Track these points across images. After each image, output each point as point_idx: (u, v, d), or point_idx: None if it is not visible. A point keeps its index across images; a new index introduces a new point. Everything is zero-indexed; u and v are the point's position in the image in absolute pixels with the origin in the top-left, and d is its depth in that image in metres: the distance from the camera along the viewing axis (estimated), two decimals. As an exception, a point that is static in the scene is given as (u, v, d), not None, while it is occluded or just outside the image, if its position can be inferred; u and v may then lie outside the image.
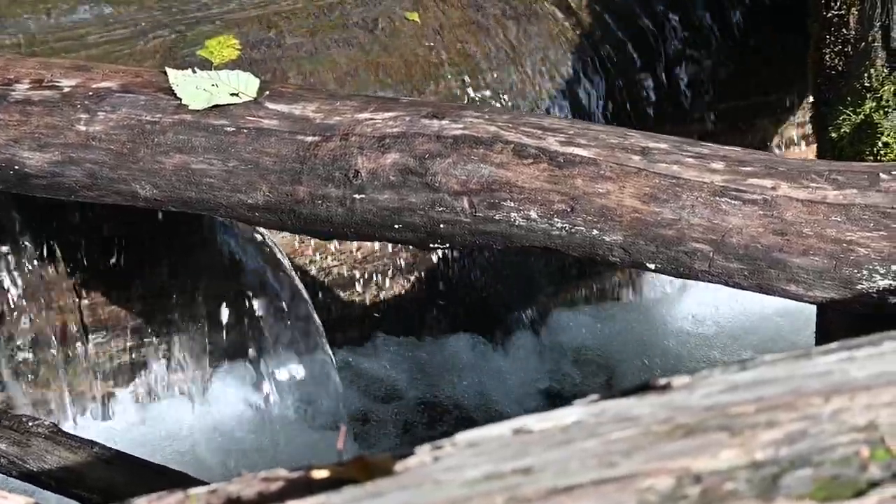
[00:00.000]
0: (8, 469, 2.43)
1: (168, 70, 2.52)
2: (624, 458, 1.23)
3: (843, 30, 2.68)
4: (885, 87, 2.59)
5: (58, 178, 2.53)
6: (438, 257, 3.22)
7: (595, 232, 2.25)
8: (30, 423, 2.45)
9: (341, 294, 3.16)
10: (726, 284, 2.24)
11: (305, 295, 3.01)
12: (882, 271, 2.16)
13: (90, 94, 2.51)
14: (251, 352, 3.06)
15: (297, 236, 3.06)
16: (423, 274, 3.22)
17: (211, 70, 2.52)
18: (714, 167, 2.24)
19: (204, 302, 3.03)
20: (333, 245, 3.13)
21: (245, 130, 2.42)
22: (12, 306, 2.94)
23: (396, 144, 2.34)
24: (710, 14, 3.42)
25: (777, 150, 3.48)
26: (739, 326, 3.39)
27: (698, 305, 3.41)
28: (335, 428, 3.02)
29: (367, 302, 3.19)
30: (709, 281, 2.25)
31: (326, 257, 3.14)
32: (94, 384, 3.01)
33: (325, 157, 2.37)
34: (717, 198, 2.21)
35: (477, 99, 3.21)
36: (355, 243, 3.13)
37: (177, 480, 2.34)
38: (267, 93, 2.47)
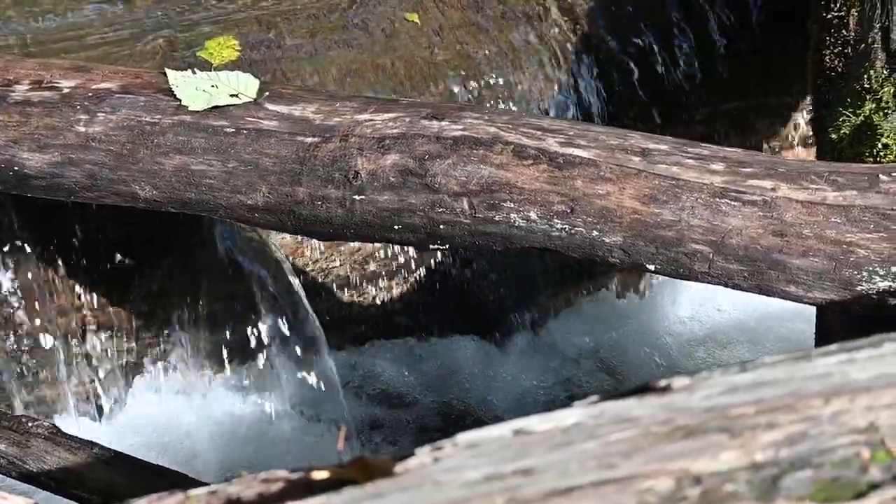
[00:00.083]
0: (7, 470, 2.43)
1: (168, 71, 2.52)
2: (624, 460, 1.23)
3: (843, 31, 2.68)
4: (885, 89, 2.59)
5: (57, 179, 2.53)
6: (438, 258, 3.22)
7: (595, 233, 2.25)
8: (29, 424, 2.44)
9: (341, 294, 3.16)
10: (726, 286, 2.24)
11: (304, 297, 3.01)
12: (882, 273, 2.16)
13: (90, 95, 2.51)
14: (251, 353, 3.06)
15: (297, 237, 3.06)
16: (423, 274, 3.22)
17: (211, 71, 2.52)
18: (714, 168, 2.23)
19: (204, 303, 3.03)
20: (333, 246, 3.13)
21: (245, 131, 2.42)
22: (12, 307, 2.94)
23: (396, 145, 2.34)
24: (713, 15, 3.42)
25: (776, 152, 3.48)
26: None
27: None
28: (335, 429, 3.02)
29: (368, 302, 3.19)
30: (708, 282, 2.25)
31: (327, 258, 3.14)
32: (94, 385, 3.01)
33: (325, 158, 2.37)
34: (717, 199, 2.21)
35: (476, 100, 3.20)
36: (355, 244, 3.13)
37: (177, 481, 2.34)
38: (267, 94, 2.47)
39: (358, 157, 2.35)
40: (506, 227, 2.29)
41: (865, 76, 2.61)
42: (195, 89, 2.47)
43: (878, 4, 2.61)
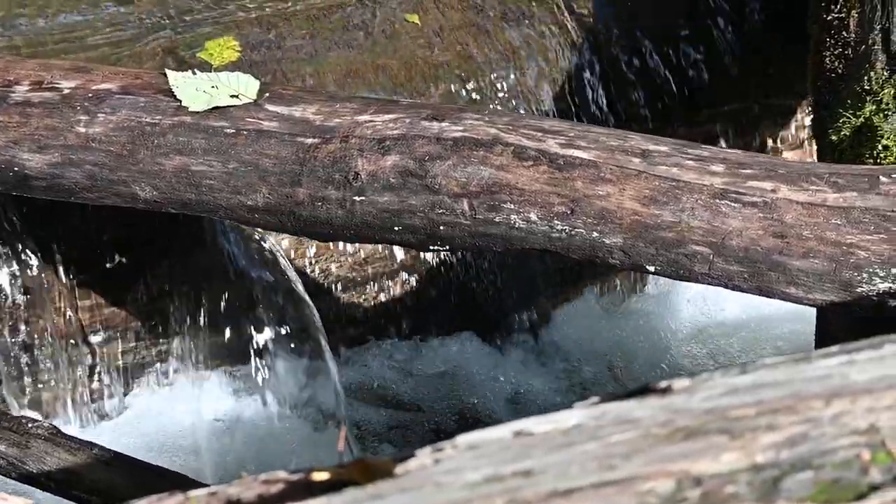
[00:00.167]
0: (7, 471, 2.43)
1: (168, 72, 2.53)
2: (624, 461, 1.23)
3: (843, 33, 2.68)
4: (885, 91, 2.59)
5: (57, 179, 2.53)
6: (438, 259, 3.22)
7: (595, 234, 2.25)
8: (29, 425, 2.44)
9: (342, 295, 3.16)
10: (726, 287, 2.24)
11: (306, 296, 3.01)
12: (882, 274, 2.16)
13: (90, 95, 2.51)
14: (252, 353, 3.06)
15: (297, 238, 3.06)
16: (423, 275, 3.22)
17: (211, 72, 2.52)
18: (714, 169, 2.23)
19: (205, 304, 3.03)
20: (333, 246, 3.13)
21: (245, 132, 2.42)
22: (12, 307, 2.93)
23: (396, 146, 2.34)
24: (715, 17, 3.42)
25: (777, 154, 3.48)
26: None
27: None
28: (335, 429, 3.02)
29: (368, 303, 3.19)
30: (708, 283, 2.25)
31: (327, 258, 3.14)
32: (94, 385, 3.01)
33: (325, 159, 2.37)
34: (717, 200, 2.21)
35: (477, 101, 3.20)
36: (355, 245, 3.13)
37: (177, 482, 2.34)
38: (267, 95, 2.47)
39: (358, 158, 2.35)
40: (506, 229, 2.29)
41: (866, 78, 2.62)
42: (195, 90, 2.47)
43: (879, 6, 2.61)
